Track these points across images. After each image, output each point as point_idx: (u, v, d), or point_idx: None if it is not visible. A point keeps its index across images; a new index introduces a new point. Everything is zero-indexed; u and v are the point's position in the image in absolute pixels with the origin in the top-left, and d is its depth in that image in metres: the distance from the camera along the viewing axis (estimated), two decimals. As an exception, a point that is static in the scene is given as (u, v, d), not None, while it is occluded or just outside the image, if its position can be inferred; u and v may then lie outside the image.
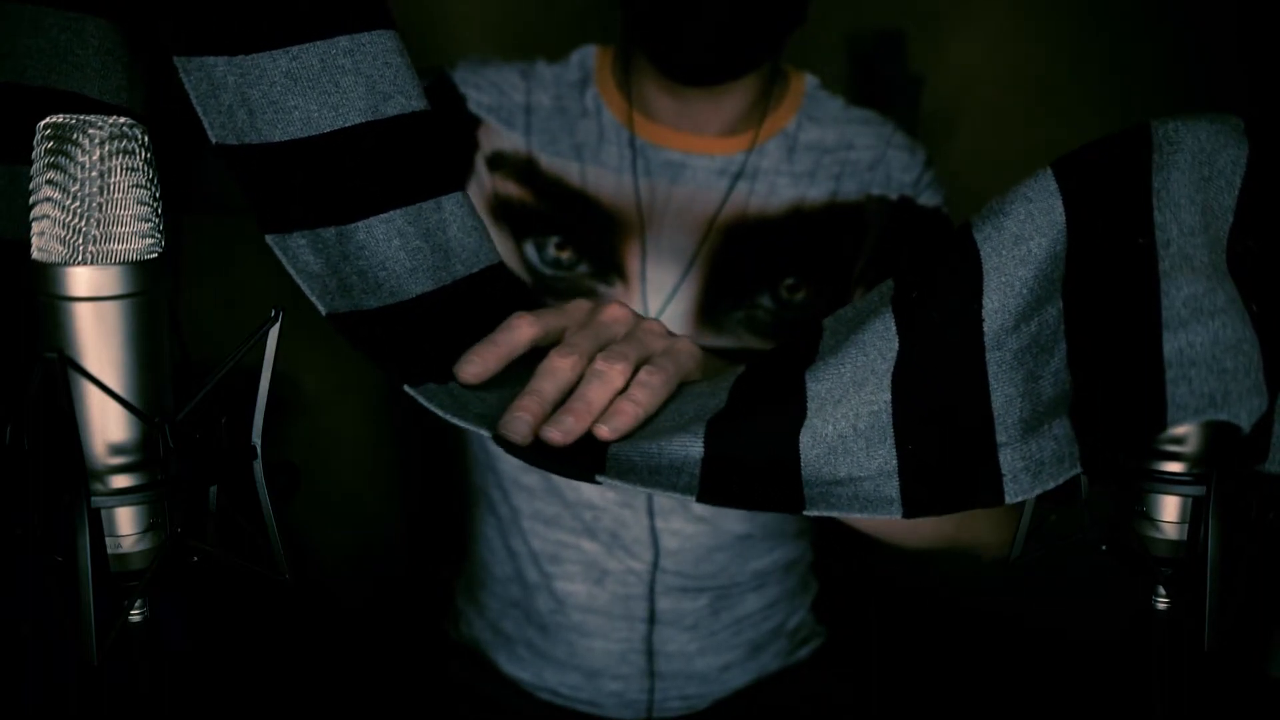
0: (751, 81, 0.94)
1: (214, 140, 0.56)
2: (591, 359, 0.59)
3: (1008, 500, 0.51)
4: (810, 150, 0.97)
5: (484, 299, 0.62)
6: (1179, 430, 0.48)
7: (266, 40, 0.58)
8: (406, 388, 0.55)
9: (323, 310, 0.55)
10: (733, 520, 1.00)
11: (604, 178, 0.96)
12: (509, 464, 1.01)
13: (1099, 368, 0.50)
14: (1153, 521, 0.51)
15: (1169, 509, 0.51)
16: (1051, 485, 0.50)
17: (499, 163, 0.97)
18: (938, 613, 1.37)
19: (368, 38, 0.60)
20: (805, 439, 0.54)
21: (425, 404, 0.55)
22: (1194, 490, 0.49)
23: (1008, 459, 0.51)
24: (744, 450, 0.54)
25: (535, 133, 0.97)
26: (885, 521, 0.75)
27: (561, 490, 0.99)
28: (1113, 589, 0.56)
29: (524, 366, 0.59)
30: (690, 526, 0.99)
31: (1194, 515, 0.50)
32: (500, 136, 0.97)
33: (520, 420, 0.55)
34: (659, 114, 0.96)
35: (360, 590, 1.36)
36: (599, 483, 0.53)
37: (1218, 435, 0.49)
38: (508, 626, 1.05)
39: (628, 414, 0.57)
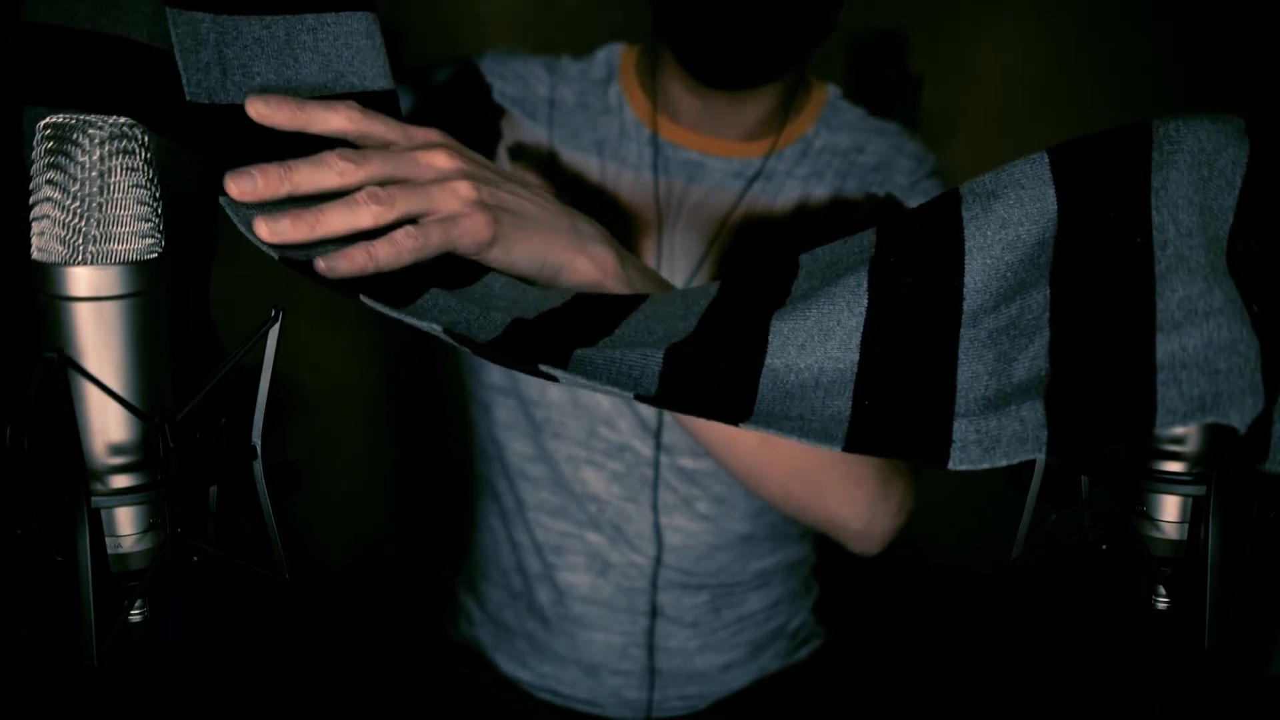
0: (776, 88, 0.95)
1: (188, 97, 0.56)
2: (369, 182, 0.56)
3: (950, 465, 0.50)
4: (823, 154, 0.98)
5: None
6: (1179, 430, 0.48)
7: (245, 4, 0.59)
8: (221, 198, 0.55)
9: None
10: (736, 520, 1.00)
11: (623, 174, 0.96)
12: (514, 454, 1.01)
13: (1088, 362, 0.49)
14: (1153, 521, 0.51)
15: (1169, 508, 0.51)
16: (1003, 463, 0.50)
17: (520, 153, 0.97)
18: (938, 614, 1.38)
19: (334, 18, 0.61)
20: (765, 380, 0.54)
21: (227, 211, 0.54)
22: (1194, 490, 0.49)
23: (960, 428, 0.51)
24: (702, 375, 0.54)
25: (557, 126, 0.97)
26: (739, 453, 0.79)
27: (567, 482, 0.99)
28: (1113, 590, 0.56)
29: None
30: (693, 524, 0.99)
31: (1194, 515, 0.50)
32: (523, 128, 0.98)
33: (251, 179, 0.53)
34: (682, 114, 0.96)
35: (360, 590, 1.36)
36: (544, 374, 0.52)
37: (1218, 435, 0.49)
38: (508, 619, 1.05)
39: (354, 261, 0.54)
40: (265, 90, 0.59)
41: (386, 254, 0.55)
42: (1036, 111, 1.40)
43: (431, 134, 0.62)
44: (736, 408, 0.53)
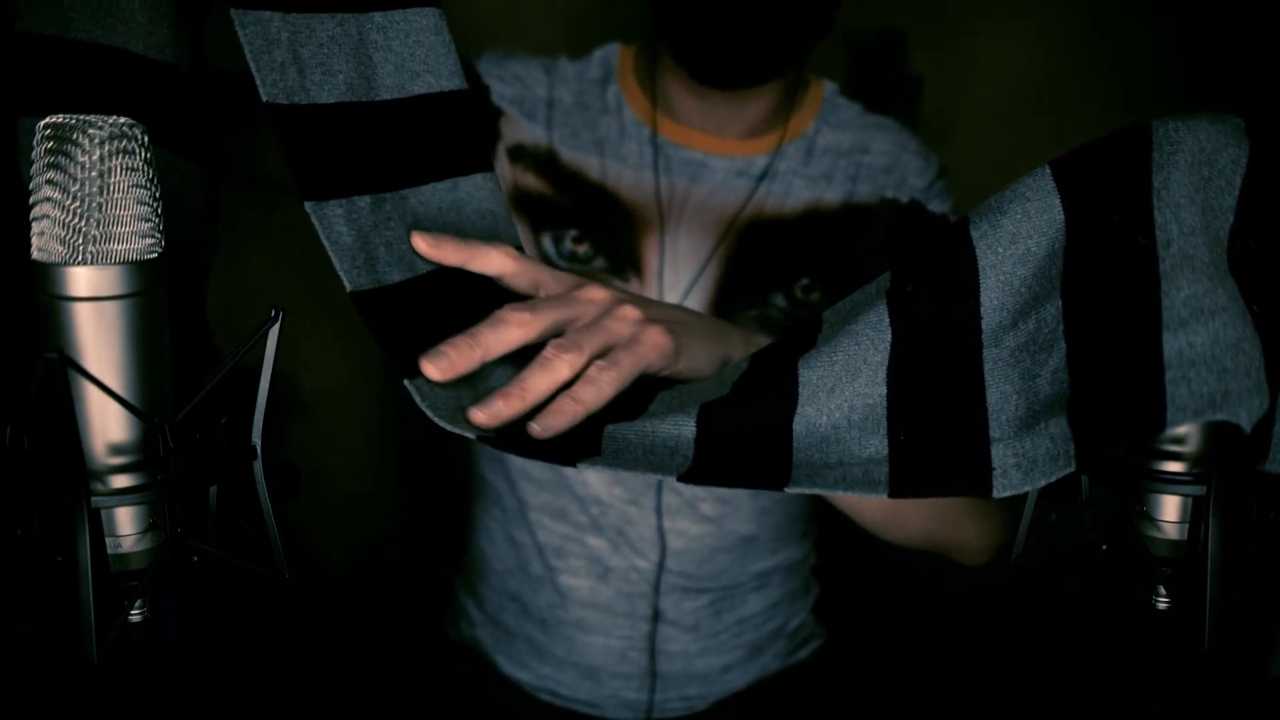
0: (776, 86, 0.95)
1: (265, 98, 0.55)
2: (549, 334, 0.58)
3: (995, 494, 0.51)
4: (827, 154, 0.98)
5: (492, 286, 0.62)
6: (1179, 430, 0.48)
7: (315, 1, 0.58)
8: (405, 382, 0.55)
9: (348, 287, 0.55)
10: (739, 522, 1.00)
11: (624, 174, 0.96)
12: (516, 455, 1.01)
13: (1100, 368, 0.49)
14: (1153, 521, 0.51)
15: (1169, 509, 0.51)
16: (1043, 483, 0.50)
17: (519, 154, 0.97)
18: (938, 614, 1.37)
19: (401, 15, 0.61)
20: (799, 427, 0.54)
21: (418, 401, 0.55)
22: (1194, 490, 0.49)
23: (999, 454, 0.51)
24: (735, 431, 0.54)
25: (556, 126, 0.97)
26: (870, 508, 0.76)
27: (570, 484, 0.99)
28: (1113, 590, 0.56)
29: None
30: (696, 527, 0.99)
31: (1194, 515, 0.50)
32: (522, 128, 0.98)
33: (445, 358, 0.54)
34: (682, 114, 0.96)
35: (360, 590, 1.36)
36: (580, 468, 0.53)
37: (1218, 435, 0.49)
38: (506, 620, 1.05)
39: (565, 413, 0.55)
40: (349, 87, 0.58)
41: (591, 396, 0.56)
42: (1037, 111, 1.40)
43: (569, 278, 0.63)
44: (776, 470, 0.53)
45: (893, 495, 0.52)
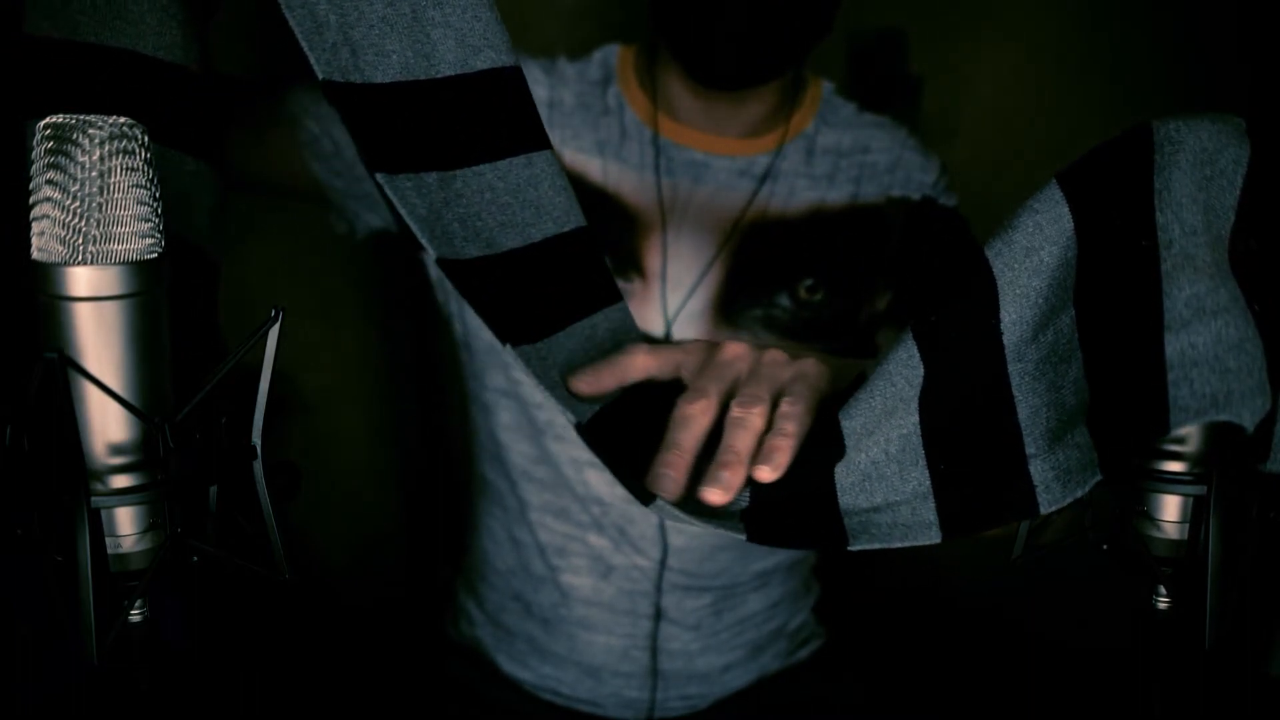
0: (775, 85, 0.95)
1: (321, 77, 0.54)
2: (723, 403, 0.58)
3: (1042, 511, 0.51)
4: (828, 154, 0.98)
5: (573, 259, 0.62)
6: (1181, 430, 0.48)
7: None
8: (505, 345, 0.56)
9: (434, 254, 0.55)
10: (737, 520, 1.00)
11: (625, 175, 0.96)
12: (517, 455, 1.01)
13: (1108, 373, 0.50)
14: (1153, 521, 0.51)
15: (1170, 508, 0.51)
16: (1080, 493, 0.50)
17: None
18: (938, 614, 1.37)
19: None
20: (840, 469, 0.55)
21: (518, 364, 0.55)
22: (1195, 490, 0.49)
23: (1038, 470, 0.51)
24: (782, 490, 0.55)
25: (557, 128, 0.97)
26: None
27: (571, 483, 0.99)
28: (1113, 591, 0.56)
29: (635, 394, 0.60)
30: (697, 525, 0.99)
31: (1195, 515, 0.50)
32: None
33: (668, 479, 0.55)
34: (683, 114, 0.96)
35: (360, 590, 1.36)
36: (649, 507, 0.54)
37: (1219, 435, 0.49)
38: (507, 620, 1.05)
39: (784, 449, 0.56)
40: (405, 66, 0.57)
41: (790, 438, 0.56)
42: (1037, 111, 1.40)
43: (699, 342, 0.64)
44: (829, 530, 0.54)
45: (946, 536, 0.52)
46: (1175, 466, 0.50)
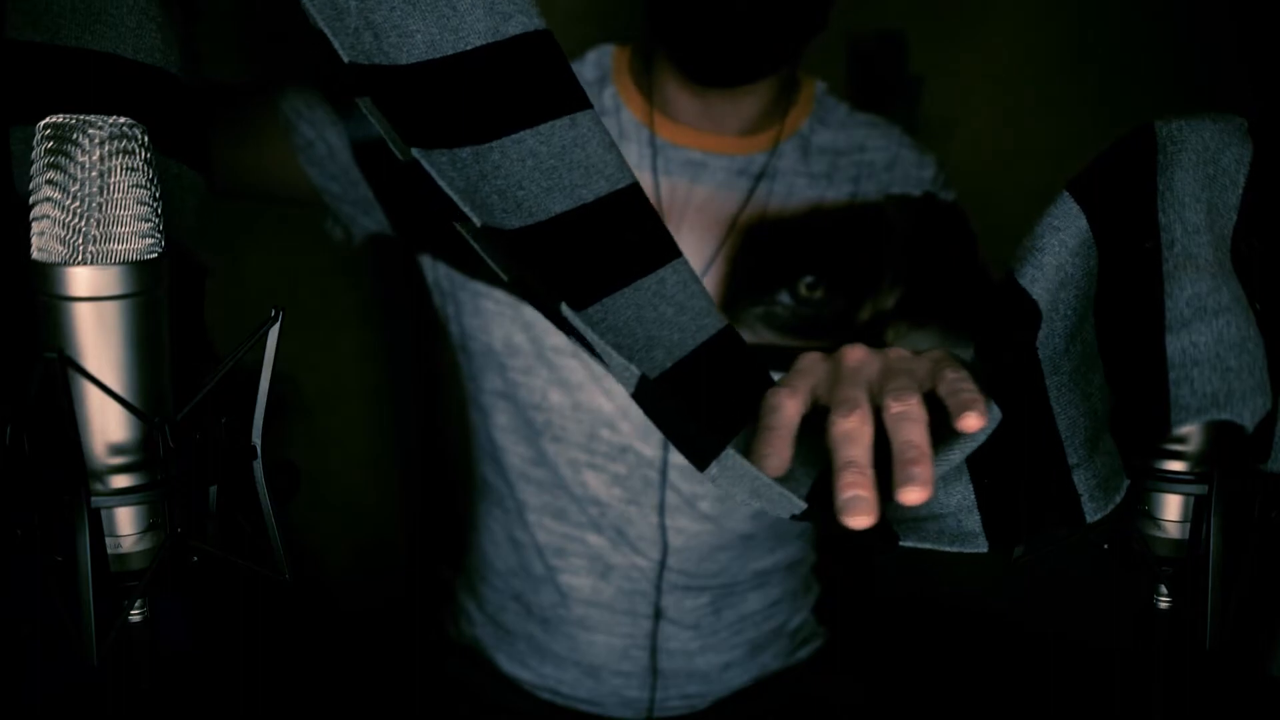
0: (771, 83, 0.95)
1: (346, 60, 0.54)
2: (876, 406, 0.57)
3: (1088, 520, 0.51)
4: (824, 153, 0.98)
5: (633, 216, 0.61)
6: (1181, 429, 0.48)
7: None
8: (564, 308, 0.53)
9: (477, 223, 0.53)
10: (737, 520, 1.00)
11: None
12: (514, 456, 1.01)
13: (1119, 375, 0.50)
14: (1155, 520, 0.51)
15: (1171, 508, 0.51)
16: (1118, 499, 0.50)
17: None
18: (938, 615, 1.37)
19: None
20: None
21: (581, 329, 0.53)
22: (1196, 489, 0.49)
23: (1081, 479, 0.51)
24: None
25: None
26: None
27: (568, 484, 0.99)
28: (1114, 590, 0.56)
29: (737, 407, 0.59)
30: (696, 525, 0.99)
31: (1196, 514, 0.50)
32: None
33: (859, 499, 0.52)
34: (679, 113, 0.96)
35: (360, 590, 1.36)
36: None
37: (1220, 434, 0.49)
38: (507, 620, 1.05)
39: (976, 406, 0.53)
40: (430, 44, 0.56)
41: (969, 389, 0.54)
42: (1037, 112, 1.40)
43: (814, 355, 0.63)
44: (879, 534, 0.53)
45: (992, 548, 0.52)
46: (1176, 466, 0.50)
